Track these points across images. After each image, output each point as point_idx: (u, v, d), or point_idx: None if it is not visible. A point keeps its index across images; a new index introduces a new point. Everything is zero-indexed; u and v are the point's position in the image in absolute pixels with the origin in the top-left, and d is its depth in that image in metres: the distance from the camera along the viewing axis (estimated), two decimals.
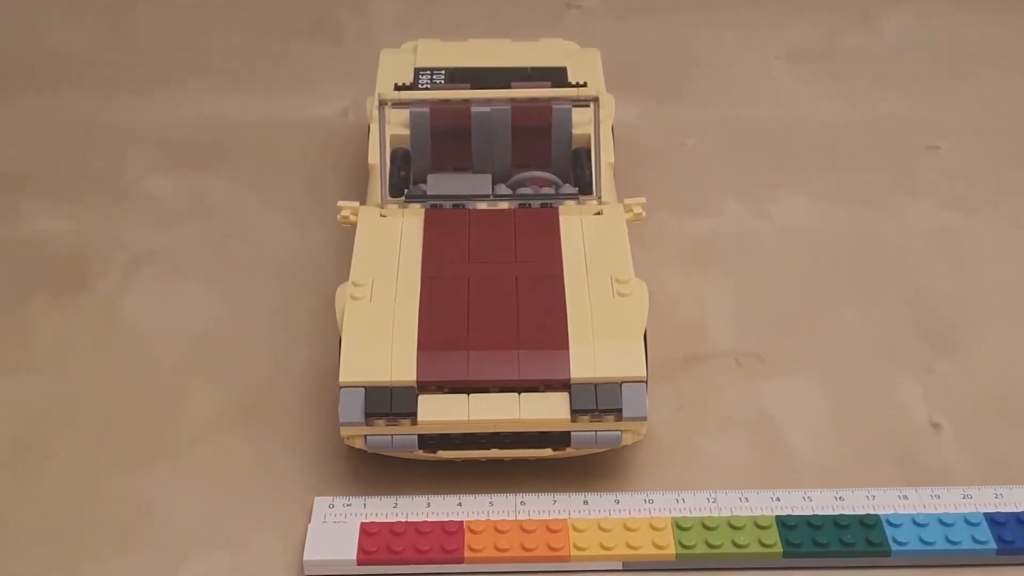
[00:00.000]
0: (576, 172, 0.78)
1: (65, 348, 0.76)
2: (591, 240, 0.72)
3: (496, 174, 0.79)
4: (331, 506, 0.66)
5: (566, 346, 0.66)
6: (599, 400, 0.65)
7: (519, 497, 0.66)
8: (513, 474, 0.68)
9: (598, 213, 0.75)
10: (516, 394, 0.65)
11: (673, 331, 0.78)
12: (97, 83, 1.01)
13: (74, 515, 0.66)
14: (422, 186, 0.78)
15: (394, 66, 0.88)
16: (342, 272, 0.74)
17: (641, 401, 0.65)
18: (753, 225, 0.87)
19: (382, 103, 0.75)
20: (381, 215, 0.74)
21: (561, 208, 0.75)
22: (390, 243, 0.72)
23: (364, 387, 0.65)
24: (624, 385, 0.65)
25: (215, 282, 0.82)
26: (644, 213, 0.75)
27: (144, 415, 0.72)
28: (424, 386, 0.65)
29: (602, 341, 0.66)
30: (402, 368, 0.65)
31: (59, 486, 0.68)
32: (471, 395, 0.65)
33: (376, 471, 0.68)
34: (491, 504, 0.66)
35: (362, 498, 0.66)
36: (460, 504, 0.66)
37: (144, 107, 0.99)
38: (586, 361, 0.65)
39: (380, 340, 0.66)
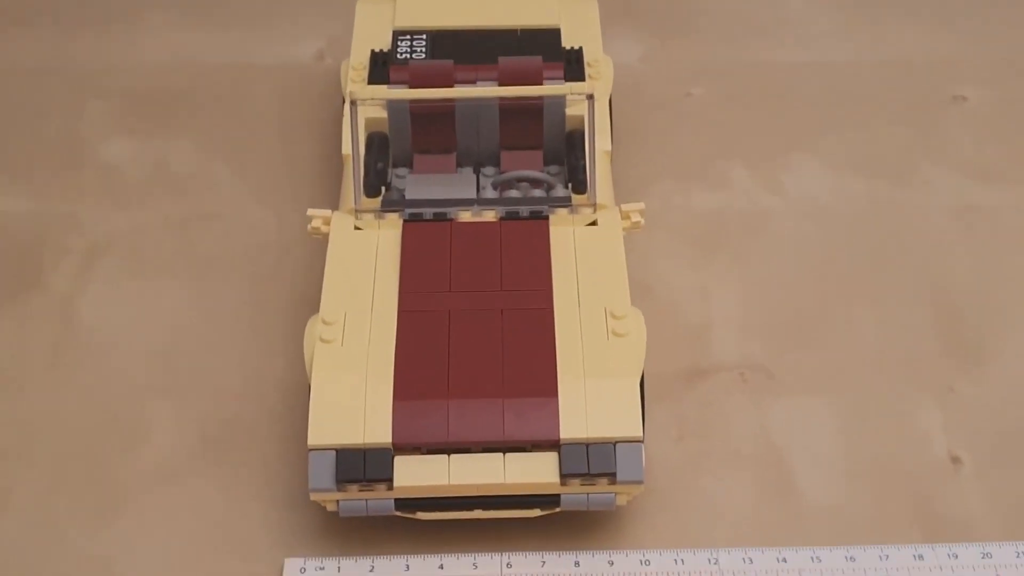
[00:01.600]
0: (570, 161, 0.71)
1: (18, 364, 0.71)
2: (584, 261, 0.66)
3: (483, 158, 0.73)
4: (303, 570, 0.61)
5: (555, 394, 0.60)
6: (591, 463, 0.59)
7: (505, 558, 0.62)
8: (499, 531, 0.63)
9: (592, 223, 0.68)
10: (500, 454, 0.60)
11: (674, 337, 0.72)
12: (51, 18, 0.93)
13: None
14: (399, 185, 0.71)
15: (371, 21, 0.80)
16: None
17: (637, 463, 0.59)
18: (764, 201, 0.80)
19: (353, 102, 0.68)
20: (355, 227, 0.68)
21: (552, 218, 0.68)
22: (364, 266, 0.66)
23: (335, 450, 0.59)
24: (618, 445, 0.60)
25: (179, 277, 0.75)
26: (642, 221, 0.69)
27: (104, 451, 0.67)
28: (400, 447, 0.60)
29: (594, 393, 0.60)
30: (376, 428, 0.60)
31: (13, 540, 0.63)
32: (452, 455, 0.60)
33: (352, 525, 0.63)
34: (475, 567, 0.61)
35: (336, 559, 0.62)
36: (442, 567, 0.61)
37: (103, 47, 0.90)
38: (577, 418, 0.60)
39: (352, 394, 0.60)
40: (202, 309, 0.74)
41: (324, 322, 0.63)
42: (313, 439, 0.59)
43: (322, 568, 0.61)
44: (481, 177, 0.72)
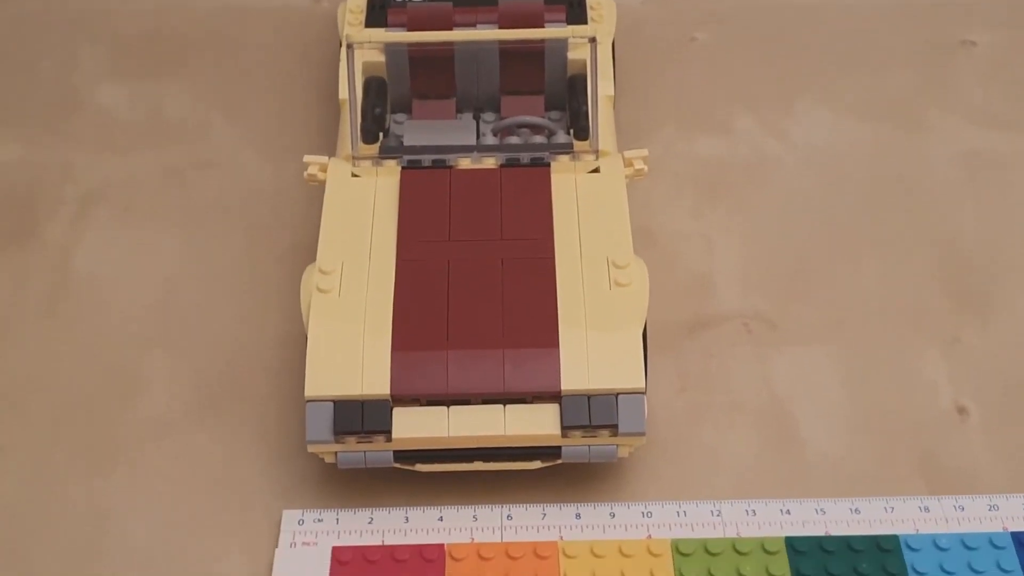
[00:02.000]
0: (572, 106, 0.70)
1: (12, 316, 0.70)
2: (586, 209, 0.65)
3: (483, 103, 0.71)
4: (300, 522, 0.61)
5: (556, 345, 0.59)
6: (592, 415, 0.58)
7: (505, 510, 0.61)
8: (499, 483, 0.62)
9: (595, 170, 0.67)
10: (500, 406, 0.59)
11: (677, 287, 0.71)
12: None
13: (23, 533, 0.61)
14: (397, 131, 0.70)
15: None
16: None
17: (639, 415, 0.58)
18: (768, 148, 0.78)
19: (349, 45, 0.66)
20: (352, 174, 0.67)
21: (554, 165, 0.67)
22: (362, 214, 0.65)
23: (333, 401, 0.59)
24: (620, 397, 0.59)
25: (174, 226, 0.74)
26: (646, 168, 0.67)
27: (99, 404, 0.66)
28: (399, 399, 0.59)
29: (596, 343, 0.59)
30: (374, 379, 0.59)
31: (9, 493, 0.62)
32: (451, 407, 0.59)
33: (350, 477, 0.63)
34: (475, 519, 0.61)
35: (334, 511, 0.61)
36: (441, 519, 0.61)
37: None
38: (578, 369, 0.59)
39: (350, 345, 0.59)
40: (198, 259, 0.73)
41: (321, 271, 0.62)
42: (310, 390, 0.58)
43: (320, 520, 0.61)
44: (481, 123, 0.70)
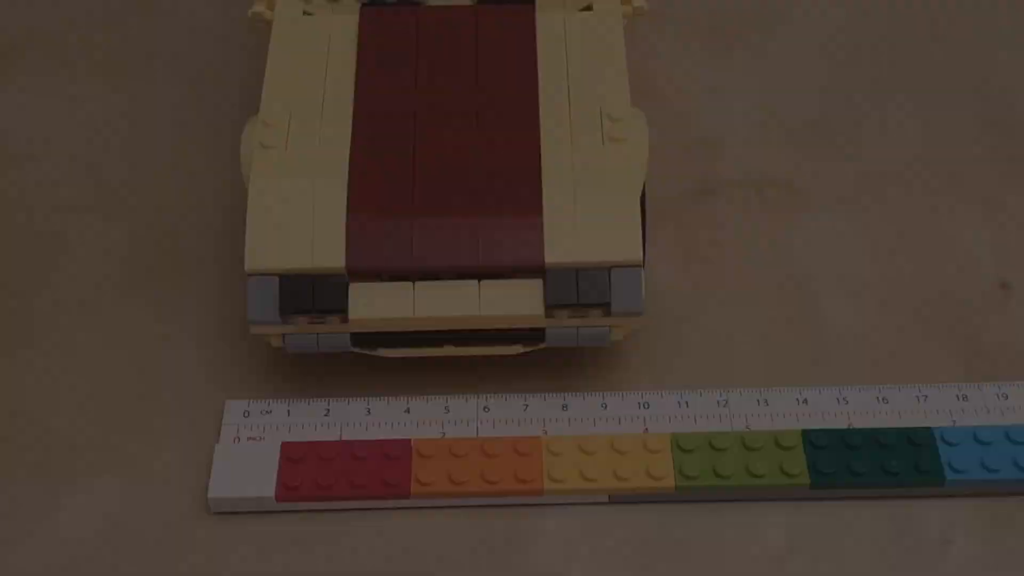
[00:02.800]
0: None
1: None
2: (576, 54, 0.56)
3: None
4: (246, 414, 0.53)
5: (539, 211, 0.51)
6: (581, 291, 0.50)
7: (482, 400, 0.53)
8: (474, 370, 0.54)
9: (587, 8, 0.58)
10: (475, 282, 0.51)
11: (683, 147, 0.63)
12: None
13: None
14: None
15: None
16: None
17: (635, 292, 0.50)
18: None
19: None
20: (304, 12, 0.58)
21: (539, 2, 0.58)
22: (314, 59, 0.56)
23: (278, 276, 0.50)
24: (614, 271, 0.50)
25: (108, 77, 0.66)
26: (646, 5, 0.59)
27: (19, 276, 0.58)
28: (356, 272, 0.51)
29: (586, 209, 0.51)
30: (327, 250, 0.50)
31: None
32: (417, 283, 0.51)
33: (303, 363, 0.55)
34: (447, 410, 0.53)
35: (285, 402, 0.53)
36: (408, 411, 0.53)
37: None
38: (565, 239, 0.51)
39: (298, 209, 0.51)
40: (135, 113, 0.65)
41: (264, 124, 0.53)
42: (251, 263, 0.50)
43: (269, 412, 0.53)
44: None
